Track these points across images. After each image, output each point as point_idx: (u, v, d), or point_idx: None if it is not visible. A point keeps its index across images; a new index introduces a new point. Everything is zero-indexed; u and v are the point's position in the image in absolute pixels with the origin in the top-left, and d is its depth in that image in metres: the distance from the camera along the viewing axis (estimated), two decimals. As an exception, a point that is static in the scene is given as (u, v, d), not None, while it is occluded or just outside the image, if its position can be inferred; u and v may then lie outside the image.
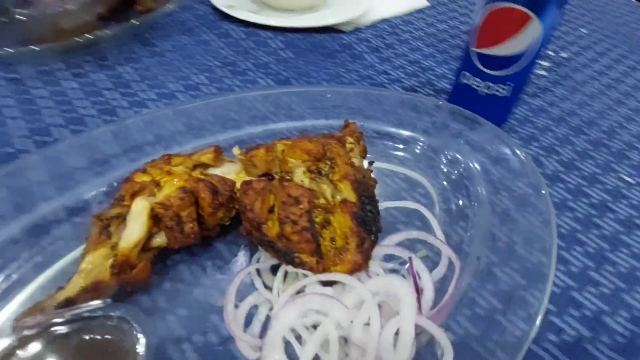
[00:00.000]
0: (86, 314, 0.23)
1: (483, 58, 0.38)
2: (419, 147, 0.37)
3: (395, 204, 0.33)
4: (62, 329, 0.23)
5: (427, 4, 0.67)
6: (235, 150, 0.32)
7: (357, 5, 0.59)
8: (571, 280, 0.30)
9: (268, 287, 0.27)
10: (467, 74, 0.40)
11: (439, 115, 0.38)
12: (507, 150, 0.34)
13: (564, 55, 0.57)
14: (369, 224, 0.27)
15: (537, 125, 0.44)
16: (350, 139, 0.32)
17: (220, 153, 0.31)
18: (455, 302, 0.26)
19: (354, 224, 0.26)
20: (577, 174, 0.38)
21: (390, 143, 0.38)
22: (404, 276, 0.27)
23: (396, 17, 0.62)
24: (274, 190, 0.27)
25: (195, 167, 0.31)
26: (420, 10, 0.65)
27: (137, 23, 0.48)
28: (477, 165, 0.35)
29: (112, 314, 0.23)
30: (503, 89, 0.39)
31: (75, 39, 0.45)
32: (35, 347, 0.22)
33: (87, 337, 0.23)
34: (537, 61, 0.37)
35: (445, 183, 0.35)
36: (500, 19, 0.35)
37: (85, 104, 0.41)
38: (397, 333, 0.24)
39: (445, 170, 0.35)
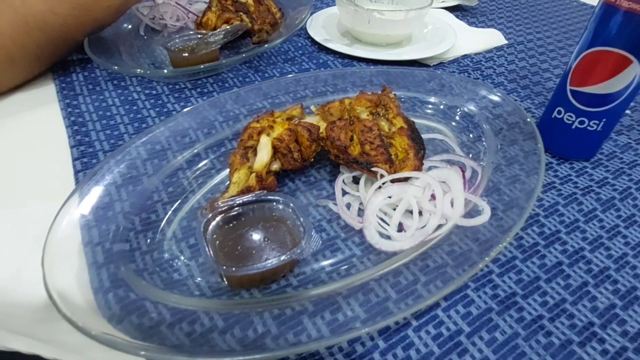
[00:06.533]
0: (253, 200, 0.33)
1: (578, 95, 0.41)
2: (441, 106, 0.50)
3: (427, 136, 0.44)
4: (240, 209, 0.33)
5: (506, 41, 0.71)
6: (313, 107, 0.44)
7: (442, 42, 0.64)
8: None
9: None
10: (561, 109, 0.43)
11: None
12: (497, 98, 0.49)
13: (647, 95, 0.58)
14: (419, 142, 0.39)
15: (625, 160, 0.46)
16: (391, 95, 0.43)
17: (303, 109, 0.43)
18: (480, 189, 0.38)
19: (410, 141, 0.38)
20: (671, 208, 0.40)
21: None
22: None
23: (477, 53, 0.66)
24: (352, 126, 0.40)
25: (288, 118, 0.41)
26: (499, 48, 0.69)
27: (250, 54, 0.55)
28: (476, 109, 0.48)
29: (271, 197, 0.33)
30: (596, 124, 0.42)
31: (202, 66, 0.52)
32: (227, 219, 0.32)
33: (261, 213, 0.33)
34: (632, 100, 0.40)
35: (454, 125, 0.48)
36: (600, 60, 0.38)
37: (213, 113, 0.48)
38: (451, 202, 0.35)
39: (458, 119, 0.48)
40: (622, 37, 0.37)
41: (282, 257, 0.29)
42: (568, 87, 0.42)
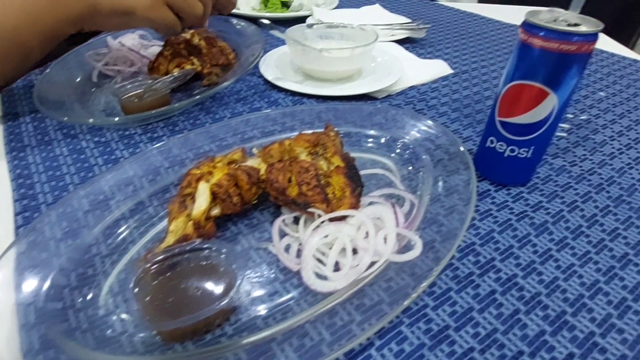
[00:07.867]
0: (186, 249, 0.33)
1: (506, 125, 0.43)
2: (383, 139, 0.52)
3: (369, 171, 0.47)
4: (174, 260, 0.33)
5: (452, 71, 0.74)
6: (255, 150, 0.45)
7: (389, 75, 0.66)
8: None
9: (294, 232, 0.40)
10: (493, 138, 0.45)
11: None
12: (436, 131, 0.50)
13: (583, 117, 0.61)
14: (356, 180, 0.40)
15: (559, 183, 0.48)
16: (332, 133, 0.45)
17: (245, 152, 0.45)
18: (417, 223, 0.39)
19: (347, 179, 0.39)
20: (599, 229, 0.42)
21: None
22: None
23: (423, 84, 0.69)
24: (290, 167, 0.40)
25: (229, 163, 0.42)
26: (445, 78, 0.72)
27: (201, 96, 0.56)
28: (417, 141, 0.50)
29: (204, 245, 0.34)
30: (526, 151, 0.44)
31: (153, 111, 0.53)
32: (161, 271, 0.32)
33: (195, 262, 0.33)
34: (558, 124, 0.42)
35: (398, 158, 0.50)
36: (520, 93, 0.41)
37: (160, 159, 0.48)
38: (385, 238, 0.36)
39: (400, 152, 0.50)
40: (538, 71, 0.39)
41: (212, 307, 0.29)
42: (497, 118, 0.44)
